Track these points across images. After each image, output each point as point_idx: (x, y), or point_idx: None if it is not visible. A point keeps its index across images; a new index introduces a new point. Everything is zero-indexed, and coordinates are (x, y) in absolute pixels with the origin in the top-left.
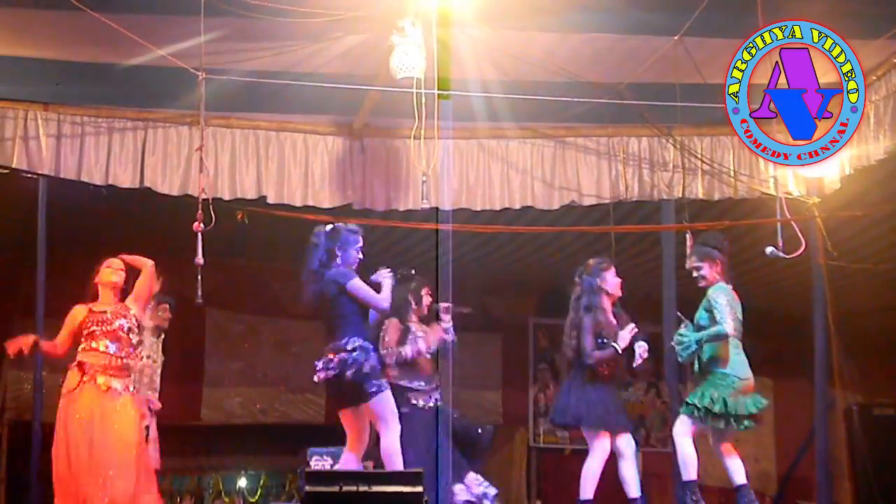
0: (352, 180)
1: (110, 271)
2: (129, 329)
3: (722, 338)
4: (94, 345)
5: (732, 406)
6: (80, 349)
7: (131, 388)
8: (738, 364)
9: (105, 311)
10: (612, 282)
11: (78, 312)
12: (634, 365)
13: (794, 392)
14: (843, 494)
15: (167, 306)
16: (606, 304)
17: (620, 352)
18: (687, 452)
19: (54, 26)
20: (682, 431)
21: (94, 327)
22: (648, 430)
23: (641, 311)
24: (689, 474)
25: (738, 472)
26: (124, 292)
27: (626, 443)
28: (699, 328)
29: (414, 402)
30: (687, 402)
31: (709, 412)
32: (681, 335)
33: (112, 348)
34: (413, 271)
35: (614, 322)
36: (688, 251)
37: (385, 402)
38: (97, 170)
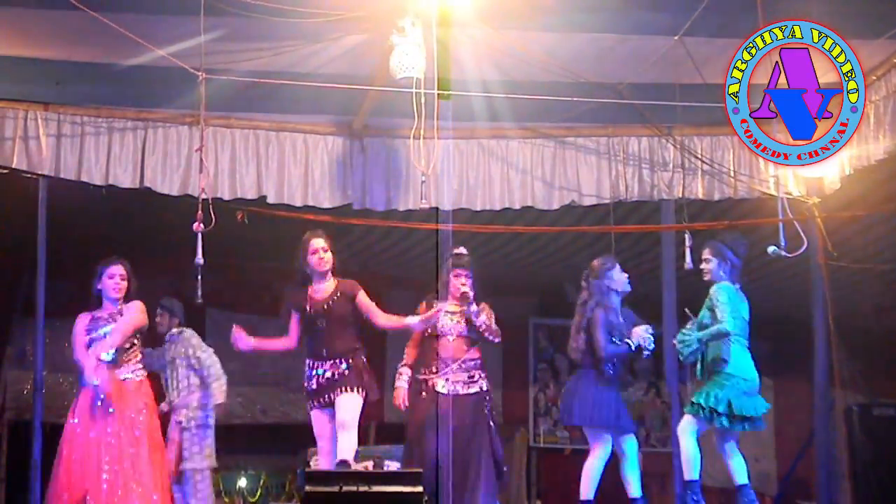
0: (352, 180)
1: (112, 284)
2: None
3: (724, 335)
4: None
5: (738, 407)
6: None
7: (124, 377)
8: (743, 365)
9: (102, 317)
10: (619, 279)
11: (80, 322)
12: (644, 355)
13: (794, 392)
14: (843, 494)
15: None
16: (616, 302)
17: (634, 349)
18: (690, 452)
19: (54, 26)
20: (687, 431)
21: (93, 333)
22: (648, 430)
23: (641, 311)
24: (691, 474)
25: (740, 471)
26: (126, 297)
27: (628, 443)
28: (702, 327)
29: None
30: (692, 402)
31: (714, 412)
32: (683, 334)
33: (102, 354)
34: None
35: (622, 322)
36: (687, 251)
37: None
38: (97, 170)
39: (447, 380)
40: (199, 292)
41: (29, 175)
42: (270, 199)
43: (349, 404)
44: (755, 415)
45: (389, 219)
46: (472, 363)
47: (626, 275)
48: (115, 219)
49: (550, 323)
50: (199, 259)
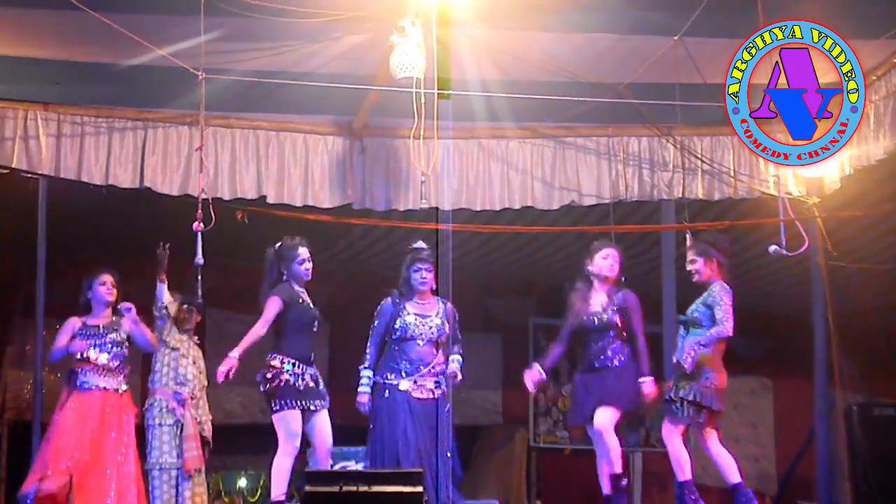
0: (352, 180)
1: (105, 290)
2: (119, 343)
3: (724, 340)
4: (86, 355)
5: (701, 395)
6: (73, 358)
7: (121, 389)
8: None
9: (98, 326)
10: (598, 264)
11: (71, 323)
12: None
13: (794, 392)
14: (843, 494)
15: (193, 308)
16: (593, 285)
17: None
18: (677, 453)
19: (54, 26)
20: (668, 432)
21: (88, 340)
22: (648, 431)
23: (641, 311)
24: (684, 474)
25: (730, 470)
26: (115, 305)
27: (604, 416)
28: (692, 321)
29: (393, 384)
30: (664, 400)
31: (684, 402)
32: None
33: (102, 358)
34: (419, 244)
35: (588, 307)
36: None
37: (280, 422)
38: (97, 170)
39: (414, 382)
40: (199, 292)
41: (29, 175)
42: (270, 199)
43: (328, 426)
44: (718, 409)
45: (389, 219)
46: (440, 368)
47: (610, 264)
48: (115, 219)
49: (550, 323)
50: (199, 259)
